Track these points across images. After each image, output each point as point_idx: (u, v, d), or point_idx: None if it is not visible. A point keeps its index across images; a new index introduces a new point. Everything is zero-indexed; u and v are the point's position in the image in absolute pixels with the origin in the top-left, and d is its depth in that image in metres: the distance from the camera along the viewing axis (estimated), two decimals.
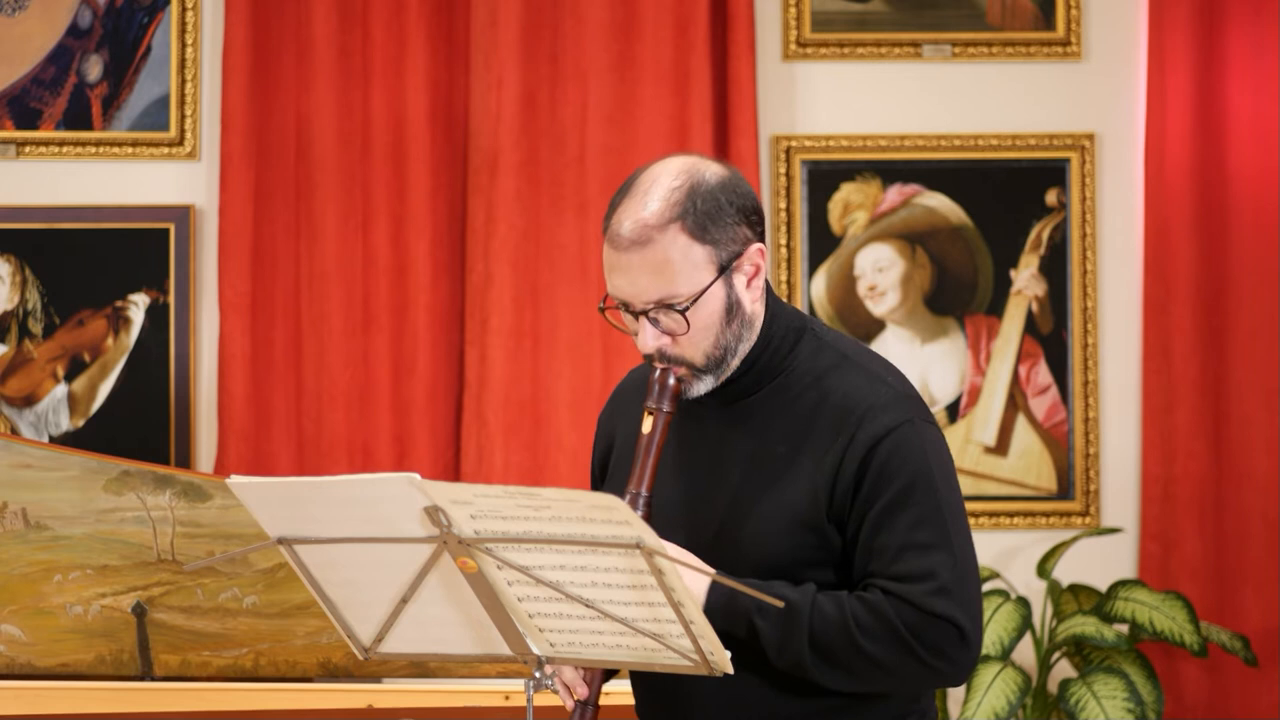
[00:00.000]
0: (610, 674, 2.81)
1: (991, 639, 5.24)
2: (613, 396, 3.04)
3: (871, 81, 5.71)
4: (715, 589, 2.71)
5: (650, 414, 2.75)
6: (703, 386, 2.79)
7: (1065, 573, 5.53)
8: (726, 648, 2.62)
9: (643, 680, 2.95)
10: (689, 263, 2.71)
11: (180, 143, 5.63)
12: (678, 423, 2.81)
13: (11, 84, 5.66)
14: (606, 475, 2.99)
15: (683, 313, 2.72)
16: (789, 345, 2.82)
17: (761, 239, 2.78)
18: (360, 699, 4.05)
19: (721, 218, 2.73)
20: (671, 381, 2.76)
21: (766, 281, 2.82)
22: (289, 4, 5.59)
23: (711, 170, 2.76)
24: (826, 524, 2.74)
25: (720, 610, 2.70)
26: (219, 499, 4.07)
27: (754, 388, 2.82)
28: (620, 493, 2.71)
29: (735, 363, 2.79)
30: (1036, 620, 5.50)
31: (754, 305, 2.78)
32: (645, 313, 2.73)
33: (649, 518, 2.72)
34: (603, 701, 2.83)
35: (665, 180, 2.74)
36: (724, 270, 2.74)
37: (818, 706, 2.80)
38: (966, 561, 2.72)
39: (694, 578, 2.69)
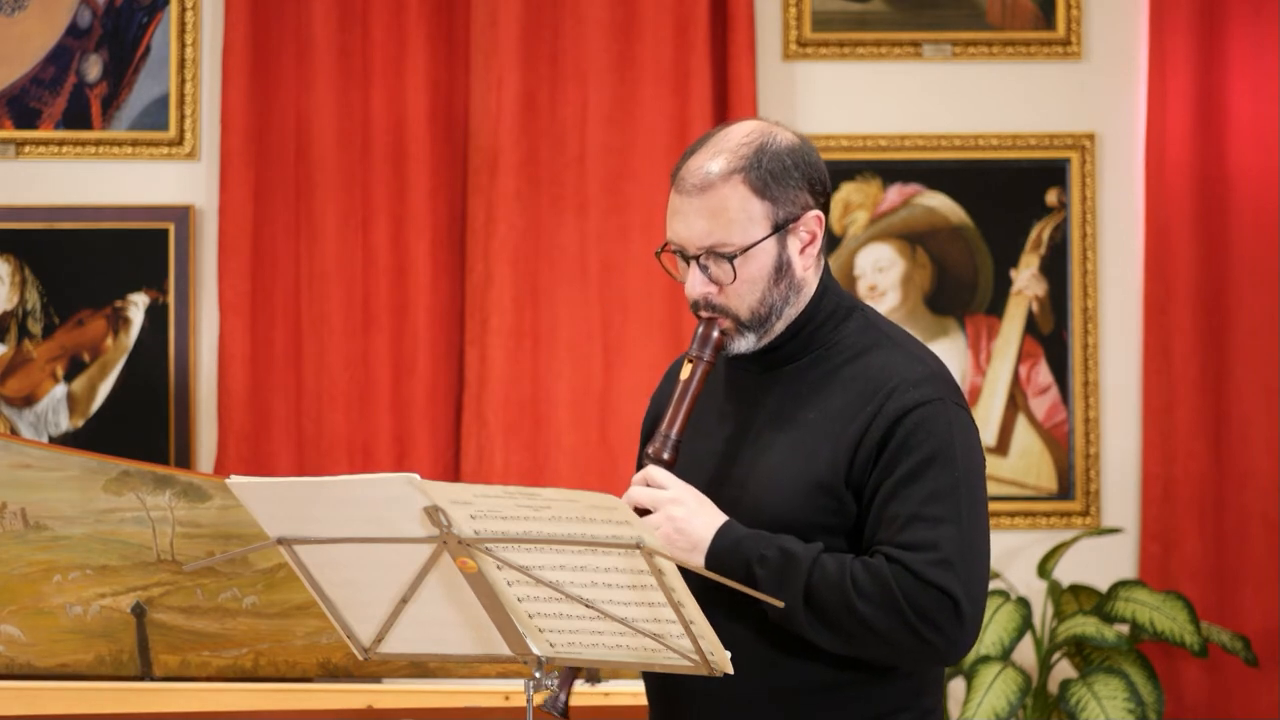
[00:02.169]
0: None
1: (992, 639, 5.24)
2: (665, 376, 3.06)
3: (871, 81, 5.71)
4: (720, 534, 2.74)
5: (690, 361, 2.81)
6: (744, 344, 2.83)
7: (1065, 573, 5.53)
8: (728, 601, 2.65)
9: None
10: (745, 214, 2.78)
11: (180, 143, 5.63)
12: (717, 385, 2.87)
13: (11, 84, 5.66)
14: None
15: (731, 260, 2.77)
16: (837, 321, 2.86)
17: (824, 209, 2.83)
18: (360, 699, 4.05)
19: (785, 179, 2.79)
20: (715, 334, 2.81)
21: (826, 261, 2.88)
22: (289, 4, 5.59)
23: (784, 135, 2.83)
24: (844, 490, 2.76)
25: (723, 556, 2.73)
26: (219, 499, 4.07)
27: (796, 355, 2.85)
28: (653, 438, 2.78)
29: (779, 326, 2.84)
30: (1037, 620, 5.50)
31: (805, 272, 2.84)
32: (696, 258, 2.79)
33: (675, 460, 2.78)
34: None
35: (737, 136, 2.81)
36: (779, 229, 2.79)
37: (813, 690, 2.81)
38: (975, 542, 2.77)
39: (702, 521, 2.73)
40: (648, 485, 2.78)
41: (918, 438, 2.73)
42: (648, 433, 3.02)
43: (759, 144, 2.80)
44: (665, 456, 2.80)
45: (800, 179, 2.81)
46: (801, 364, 2.86)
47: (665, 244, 2.84)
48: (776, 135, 2.82)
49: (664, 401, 2.92)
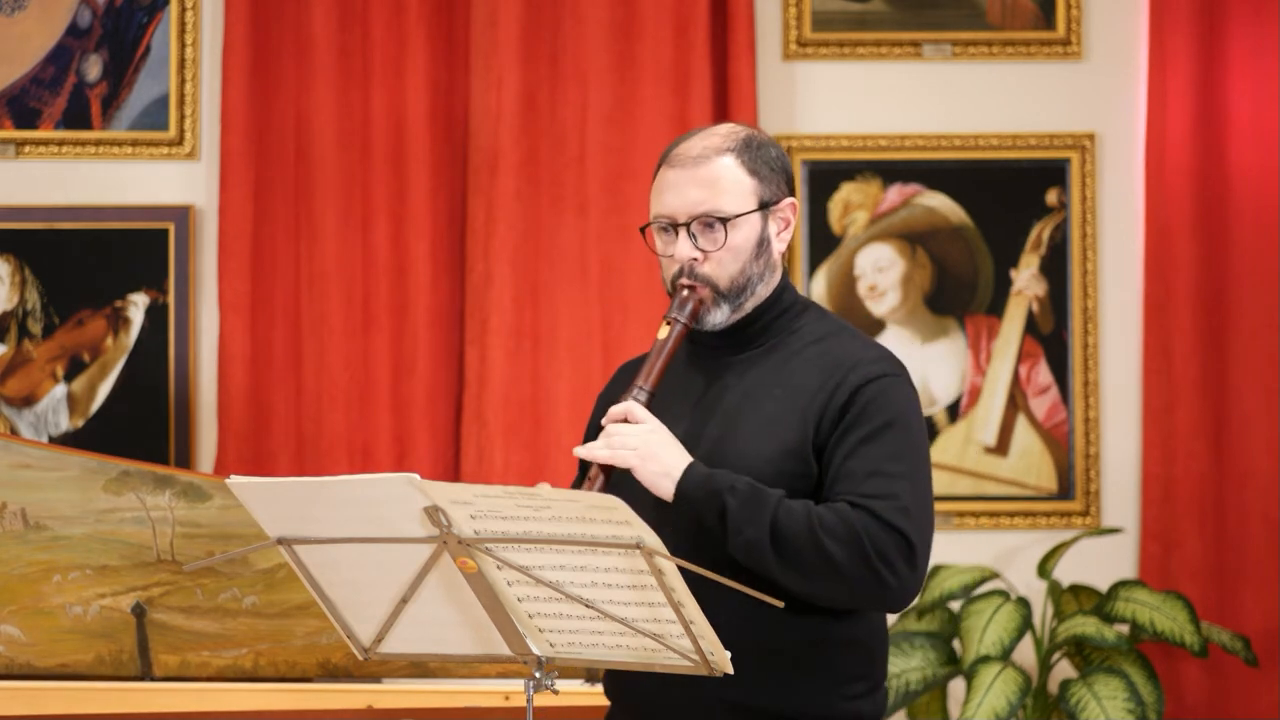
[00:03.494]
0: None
1: (992, 639, 5.24)
2: (615, 375, 3.20)
3: (871, 81, 5.71)
4: (693, 464, 2.88)
5: (668, 323, 2.98)
6: (719, 315, 3.01)
7: (1066, 573, 5.53)
8: (694, 540, 2.76)
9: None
10: (737, 187, 2.99)
11: (180, 142, 5.63)
12: (682, 371, 3.01)
13: (11, 84, 5.66)
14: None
15: (725, 224, 2.97)
16: (796, 312, 3.06)
17: (794, 199, 3.08)
18: (360, 699, 4.05)
19: (770, 165, 3.03)
20: (693, 302, 2.98)
21: (784, 263, 3.08)
22: (289, 4, 5.59)
23: (764, 134, 3.10)
24: (810, 453, 2.92)
25: (695, 483, 2.87)
26: (219, 499, 4.07)
27: (760, 341, 3.03)
28: (627, 390, 2.94)
29: (750, 304, 3.02)
30: (1037, 620, 5.50)
31: (777, 256, 3.05)
32: (687, 226, 2.98)
33: (649, 405, 2.93)
34: (580, 703, 2.88)
35: (726, 127, 3.07)
36: (764, 207, 3.01)
37: (772, 659, 2.90)
38: (925, 498, 2.92)
39: (677, 452, 2.89)
40: (626, 421, 2.91)
41: (877, 404, 2.92)
42: (597, 431, 3.09)
43: (747, 134, 3.04)
44: (641, 404, 2.93)
45: (780, 169, 3.04)
46: (764, 348, 3.03)
47: (649, 222, 3.03)
48: (759, 133, 3.07)
49: (614, 400, 3.03)
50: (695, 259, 2.98)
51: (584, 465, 3.01)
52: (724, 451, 2.94)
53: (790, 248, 5.63)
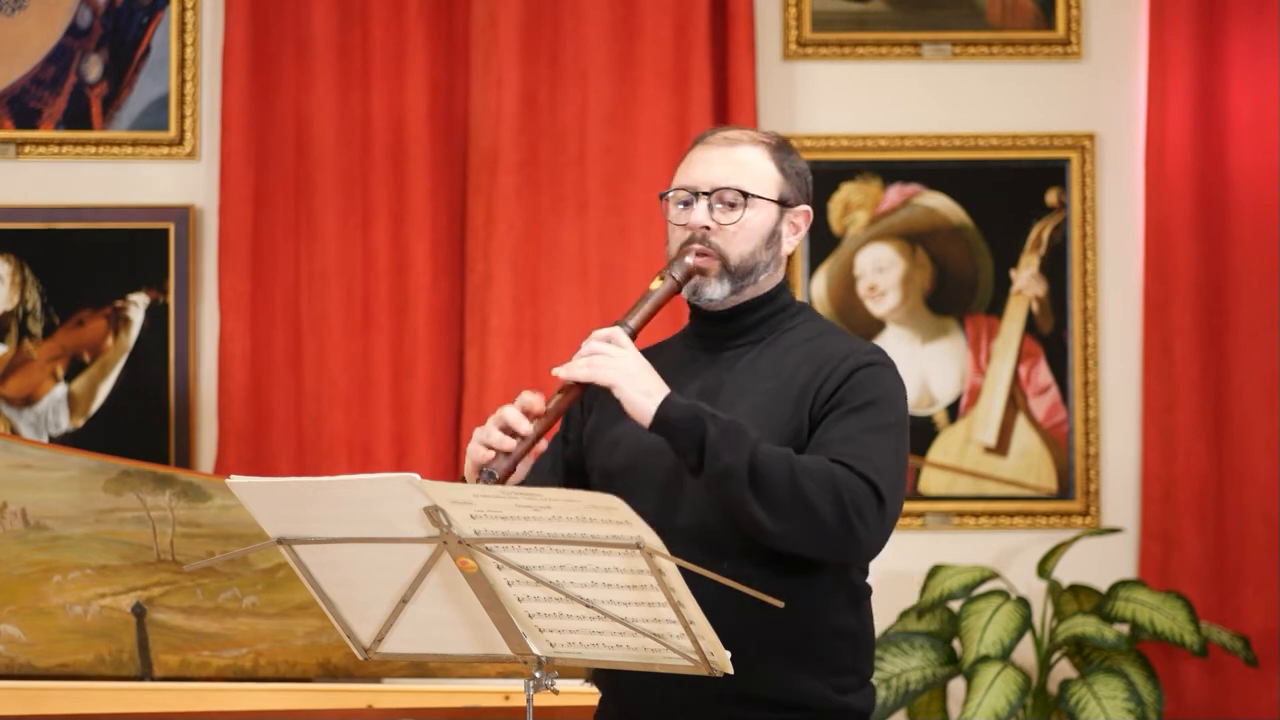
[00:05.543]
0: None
1: (992, 639, 5.25)
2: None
3: (871, 81, 5.71)
4: (672, 394, 2.89)
5: (662, 278, 3.02)
6: (718, 290, 3.04)
7: (1065, 573, 5.53)
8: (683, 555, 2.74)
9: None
10: (764, 173, 3.07)
11: (180, 143, 5.63)
12: (675, 367, 3.03)
13: (11, 84, 5.66)
14: (588, 410, 3.14)
15: (746, 198, 3.03)
16: (791, 313, 3.10)
17: (810, 209, 3.14)
18: (360, 699, 4.05)
19: (796, 170, 3.12)
20: (693, 266, 3.02)
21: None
22: (289, 4, 5.59)
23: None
24: (806, 439, 2.95)
25: (677, 408, 2.87)
26: (219, 499, 4.07)
27: (755, 335, 3.07)
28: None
29: (750, 292, 3.06)
30: (1037, 620, 5.50)
31: (784, 255, 3.10)
32: (708, 194, 3.03)
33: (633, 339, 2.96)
34: (580, 703, 2.88)
35: (764, 130, 3.19)
36: (783, 203, 3.08)
37: (767, 651, 2.92)
38: (897, 467, 2.95)
39: (655, 381, 2.90)
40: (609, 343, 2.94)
41: (865, 384, 2.98)
42: (577, 419, 3.16)
43: (781, 139, 3.14)
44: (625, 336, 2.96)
45: (804, 179, 3.13)
46: (759, 343, 3.07)
47: (668, 191, 3.08)
48: (791, 143, 3.15)
49: (595, 394, 3.05)
50: (709, 228, 3.02)
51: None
52: None
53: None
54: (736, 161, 3.05)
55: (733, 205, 3.03)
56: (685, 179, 3.06)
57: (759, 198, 3.04)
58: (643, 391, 2.89)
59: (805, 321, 3.10)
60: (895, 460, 2.94)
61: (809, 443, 2.95)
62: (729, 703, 2.93)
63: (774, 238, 3.06)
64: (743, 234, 3.03)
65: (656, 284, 3.01)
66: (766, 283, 3.07)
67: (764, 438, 2.90)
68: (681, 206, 3.06)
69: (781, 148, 3.10)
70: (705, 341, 3.10)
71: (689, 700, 2.92)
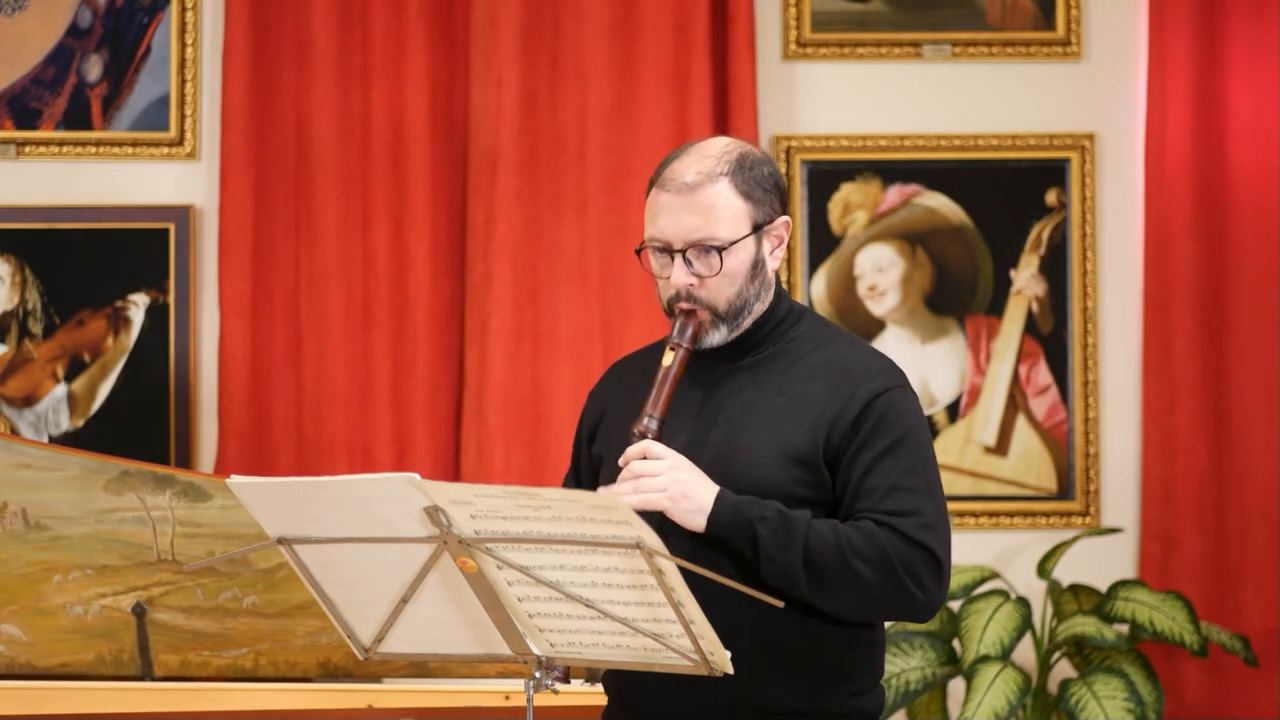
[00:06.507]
0: None
1: (992, 639, 5.25)
2: (608, 373, 3.21)
3: (871, 81, 5.71)
4: (722, 495, 2.89)
5: (672, 349, 2.98)
6: (718, 336, 3.02)
7: (1065, 573, 5.53)
8: (721, 565, 2.76)
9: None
10: (731, 213, 2.98)
11: (180, 143, 5.63)
12: (683, 381, 3.00)
13: (11, 84, 5.66)
14: (596, 439, 3.12)
15: (720, 253, 2.96)
16: (792, 321, 3.07)
17: (787, 215, 3.08)
18: (360, 699, 4.05)
19: (763, 185, 3.01)
20: (693, 325, 2.99)
21: (775, 272, 3.08)
22: (289, 4, 5.59)
23: (757, 149, 3.08)
24: (821, 463, 2.94)
25: (726, 514, 2.88)
26: (219, 499, 4.07)
27: (759, 349, 3.05)
28: (636, 418, 2.93)
29: (748, 322, 3.03)
30: (1037, 620, 5.50)
31: (771, 274, 3.06)
32: (683, 252, 2.97)
33: (660, 437, 2.93)
34: (580, 703, 2.89)
35: (718, 146, 3.04)
36: (758, 229, 3.00)
37: (779, 658, 2.92)
38: (942, 510, 2.96)
39: (704, 485, 2.89)
40: (645, 459, 2.90)
41: (889, 418, 2.95)
42: (591, 429, 3.13)
43: (740, 153, 3.02)
44: (653, 433, 2.94)
45: (773, 188, 3.03)
46: (764, 357, 3.04)
47: (644, 243, 3.03)
48: (752, 149, 3.05)
49: (605, 403, 3.10)
50: (692, 284, 2.98)
51: None
52: (729, 460, 2.94)
53: (790, 248, 5.63)
54: (701, 208, 2.97)
55: (708, 253, 2.96)
56: (655, 230, 2.99)
57: (733, 242, 2.97)
58: (693, 510, 2.89)
59: (808, 328, 3.07)
60: (939, 504, 2.95)
61: (839, 481, 2.93)
62: (743, 713, 2.93)
63: (757, 267, 3.01)
64: (725, 281, 2.98)
65: (669, 358, 2.98)
66: (761, 306, 3.04)
67: (776, 457, 2.91)
68: (659, 255, 3.00)
69: (742, 166, 3.00)
70: (710, 361, 3.06)
71: (702, 711, 2.92)
